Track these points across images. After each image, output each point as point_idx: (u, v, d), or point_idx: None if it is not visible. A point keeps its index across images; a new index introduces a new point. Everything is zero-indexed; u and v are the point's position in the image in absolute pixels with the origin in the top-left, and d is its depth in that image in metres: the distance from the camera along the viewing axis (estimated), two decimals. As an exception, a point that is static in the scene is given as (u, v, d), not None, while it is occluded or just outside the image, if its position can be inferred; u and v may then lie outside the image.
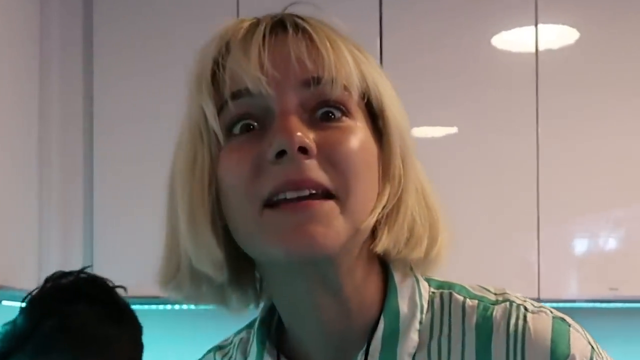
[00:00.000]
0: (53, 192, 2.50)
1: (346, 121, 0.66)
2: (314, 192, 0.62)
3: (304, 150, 0.60)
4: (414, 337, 0.71)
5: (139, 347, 1.47)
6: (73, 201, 2.62)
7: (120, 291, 1.46)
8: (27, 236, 2.25)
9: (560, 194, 2.54)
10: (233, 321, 2.44)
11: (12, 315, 2.33)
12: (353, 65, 0.67)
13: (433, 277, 0.76)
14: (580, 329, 0.69)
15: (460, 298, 0.72)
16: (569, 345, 0.66)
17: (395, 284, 0.72)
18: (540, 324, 0.67)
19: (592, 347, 0.68)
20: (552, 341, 0.66)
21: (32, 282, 1.99)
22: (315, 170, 0.62)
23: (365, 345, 0.70)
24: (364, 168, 0.65)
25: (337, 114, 0.66)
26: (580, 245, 2.61)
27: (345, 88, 0.66)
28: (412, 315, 0.71)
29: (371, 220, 0.66)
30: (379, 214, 0.67)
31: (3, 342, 1.40)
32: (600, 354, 0.68)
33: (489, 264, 2.49)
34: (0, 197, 1.99)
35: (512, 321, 0.69)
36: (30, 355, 1.37)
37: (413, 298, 0.72)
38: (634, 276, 2.50)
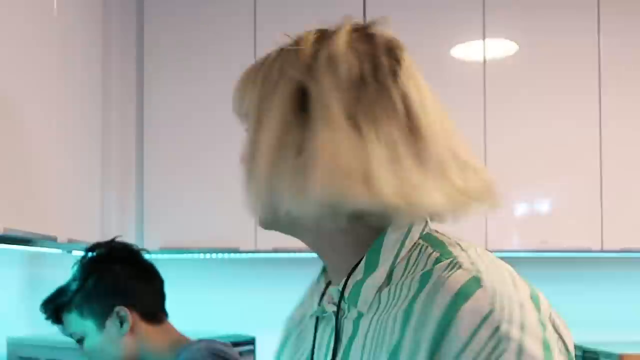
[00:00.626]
0: (112, 165, 2.43)
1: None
2: None
3: None
4: (382, 274, 0.69)
5: (160, 297, 1.52)
6: (127, 172, 2.52)
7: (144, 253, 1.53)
8: (92, 200, 2.20)
9: (504, 169, 2.44)
10: (248, 267, 2.42)
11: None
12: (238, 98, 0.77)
13: (440, 234, 0.73)
14: (491, 290, 0.61)
15: (430, 251, 0.69)
16: (467, 300, 0.61)
17: (384, 235, 0.71)
18: (456, 279, 0.63)
19: (493, 311, 0.60)
20: (456, 294, 0.62)
21: (95, 236, 2.02)
22: None
23: (350, 271, 0.71)
24: None
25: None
26: (520, 209, 2.57)
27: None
28: (387, 258, 0.70)
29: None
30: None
31: (59, 295, 1.46)
32: (503, 321, 0.59)
33: (449, 224, 2.42)
34: (70, 168, 1.93)
35: (441, 273, 0.65)
36: (78, 304, 1.43)
37: (393, 247, 0.70)
38: (560, 233, 2.47)
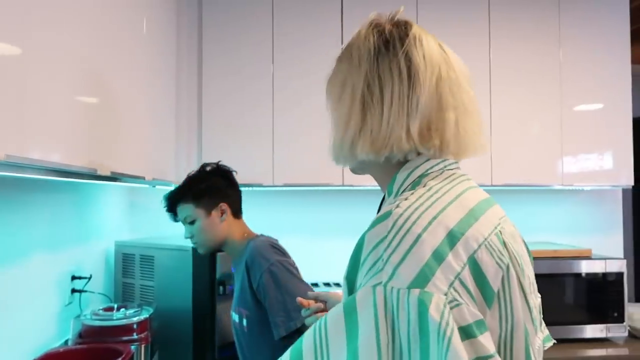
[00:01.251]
0: (182, 126, 2.40)
1: None
2: None
3: None
4: (392, 200, 0.68)
5: (241, 201, 1.64)
6: (191, 130, 2.47)
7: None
8: (168, 150, 2.15)
9: None
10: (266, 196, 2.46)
11: (161, 193, 2.48)
12: None
13: (432, 177, 0.68)
14: (393, 223, 0.59)
15: (407, 189, 0.68)
16: (374, 226, 0.60)
17: (397, 172, 0.70)
18: (383, 210, 0.62)
19: (384, 238, 0.57)
20: (373, 221, 0.61)
21: (171, 176, 2.12)
22: None
23: (384, 195, 0.74)
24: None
25: None
26: None
27: None
28: (395, 189, 0.70)
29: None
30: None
31: (179, 192, 1.60)
32: (388, 248, 0.56)
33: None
34: (154, 130, 1.90)
35: (387, 202, 0.69)
36: (195, 198, 1.57)
37: (400, 182, 0.70)
38: (500, 170, 2.55)
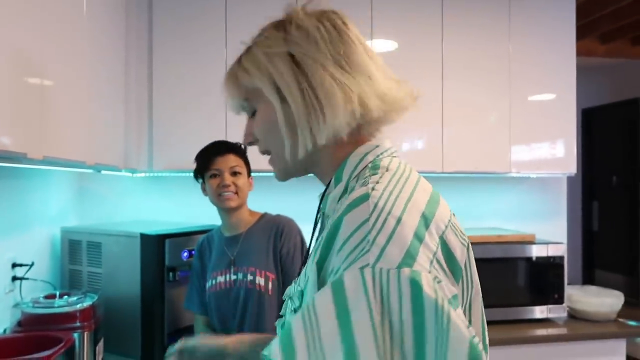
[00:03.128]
0: (131, 111, 2.27)
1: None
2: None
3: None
4: (340, 188, 0.69)
5: (249, 167, 1.70)
6: (142, 111, 2.35)
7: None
8: (116, 131, 2.06)
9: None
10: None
11: (110, 178, 2.46)
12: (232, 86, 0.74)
13: (386, 161, 0.69)
14: (373, 205, 0.58)
15: (367, 172, 0.68)
16: (353, 209, 0.59)
17: (347, 159, 0.71)
18: (355, 194, 0.61)
19: (367, 220, 0.56)
20: (348, 204, 0.60)
21: (118, 161, 2.03)
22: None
23: (326, 186, 0.74)
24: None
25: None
26: (401, 145, 2.71)
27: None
28: (345, 177, 0.70)
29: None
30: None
31: (236, 145, 1.68)
32: (373, 229, 0.56)
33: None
34: (101, 110, 1.82)
35: (354, 186, 0.66)
36: (245, 155, 1.68)
37: (350, 167, 0.70)
38: (415, 160, 2.54)
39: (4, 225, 1.69)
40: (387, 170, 0.66)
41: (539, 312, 2.46)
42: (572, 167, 2.81)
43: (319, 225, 0.75)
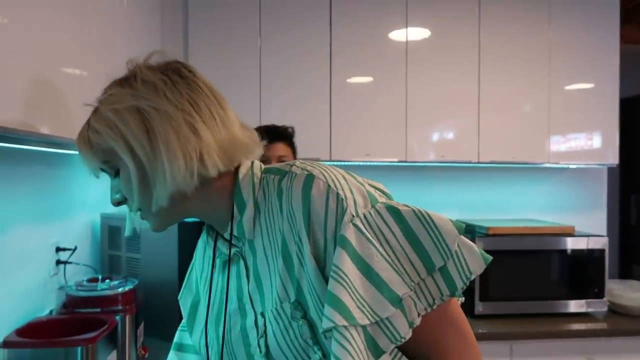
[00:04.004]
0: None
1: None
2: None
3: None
4: (251, 208, 0.71)
5: (295, 155, 1.72)
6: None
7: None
8: None
9: (423, 113, 2.54)
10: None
11: None
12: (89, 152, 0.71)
13: (273, 165, 0.75)
14: (322, 177, 0.66)
15: (273, 177, 0.71)
16: (311, 188, 0.65)
17: (237, 183, 0.72)
18: (298, 182, 0.67)
19: (330, 186, 0.65)
20: (302, 190, 0.66)
21: None
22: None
23: (231, 217, 0.73)
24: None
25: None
26: (433, 136, 2.58)
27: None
28: (248, 196, 0.71)
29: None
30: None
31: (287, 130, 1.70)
32: (338, 190, 0.65)
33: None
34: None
35: (286, 184, 0.68)
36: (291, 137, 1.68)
37: (248, 187, 0.71)
38: (453, 150, 2.58)
39: (48, 210, 1.73)
40: (289, 164, 0.71)
41: (578, 306, 2.40)
42: (612, 158, 2.72)
43: (247, 256, 0.73)
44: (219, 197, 0.72)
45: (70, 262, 1.77)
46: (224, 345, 0.75)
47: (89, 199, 2.17)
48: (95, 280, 1.62)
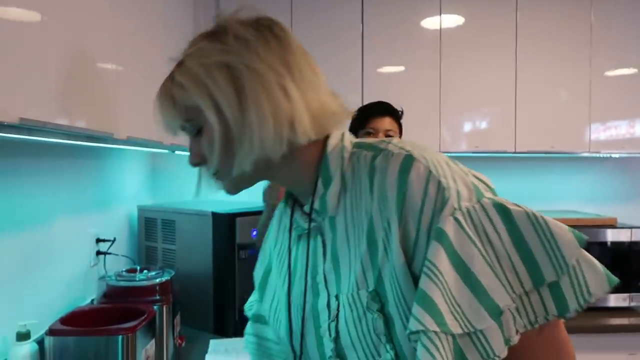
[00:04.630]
0: None
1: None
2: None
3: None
4: (337, 183, 0.66)
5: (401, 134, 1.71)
6: None
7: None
8: None
9: (457, 101, 2.49)
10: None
11: (181, 158, 2.65)
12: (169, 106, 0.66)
13: (364, 140, 0.68)
14: (424, 159, 0.60)
15: (365, 153, 0.65)
16: (409, 172, 0.59)
17: (326, 154, 0.67)
18: (394, 162, 0.60)
19: (431, 171, 0.59)
20: (399, 172, 0.60)
21: None
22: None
23: (313, 190, 0.68)
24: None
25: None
26: (466, 126, 2.54)
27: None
28: (335, 169, 0.66)
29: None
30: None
31: (354, 119, 1.64)
32: (440, 177, 0.59)
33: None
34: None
35: (381, 163, 0.62)
36: (359, 124, 1.63)
37: (336, 160, 0.66)
38: (488, 140, 2.54)
39: (88, 202, 1.79)
40: (384, 141, 0.66)
41: (620, 300, 2.32)
42: (658, 146, 2.60)
43: (325, 232, 0.69)
44: (305, 167, 0.68)
45: (110, 253, 1.83)
46: (292, 322, 0.71)
47: (127, 191, 2.23)
48: (134, 270, 1.66)
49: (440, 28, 2.51)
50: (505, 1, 2.51)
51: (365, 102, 2.44)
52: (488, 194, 0.60)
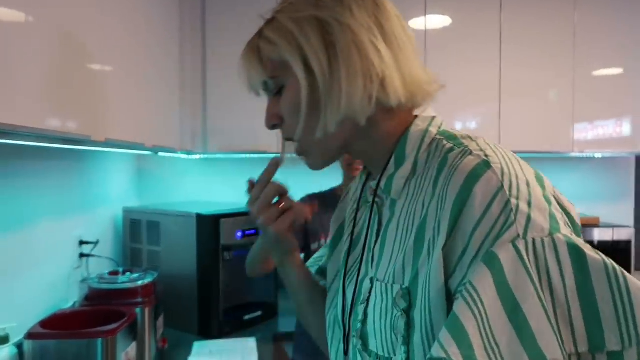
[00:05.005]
0: (187, 87, 2.29)
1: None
2: None
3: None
4: (408, 167, 0.62)
5: None
6: (196, 96, 2.36)
7: None
8: (172, 114, 2.09)
9: (447, 104, 2.65)
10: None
11: (166, 160, 2.56)
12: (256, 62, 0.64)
13: (454, 130, 0.63)
14: (500, 171, 0.53)
15: (444, 143, 0.61)
16: (478, 180, 0.52)
17: (407, 133, 0.64)
18: (467, 163, 0.54)
19: (503, 187, 0.51)
20: (468, 176, 0.53)
21: (175, 143, 2.09)
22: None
23: (384, 167, 0.65)
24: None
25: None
26: (455, 125, 2.70)
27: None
28: (411, 152, 0.63)
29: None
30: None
31: None
32: (512, 196, 0.51)
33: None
34: (159, 90, 1.86)
35: (454, 158, 0.56)
36: None
37: (416, 142, 0.63)
38: (509, 137, 2.69)
39: (72, 204, 1.78)
40: (470, 138, 0.59)
41: (603, 298, 2.34)
42: (641, 146, 2.63)
43: (384, 213, 0.66)
44: (384, 139, 0.65)
45: (93, 255, 1.82)
46: (345, 293, 0.69)
47: (112, 193, 2.24)
48: (117, 273, 1.66)
49: (426, 29, 2.52)
50: (490, 2, 2.52)
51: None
52: (566, 230, 0.51)
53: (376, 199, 0.67)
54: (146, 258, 2.10)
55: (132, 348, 1.41)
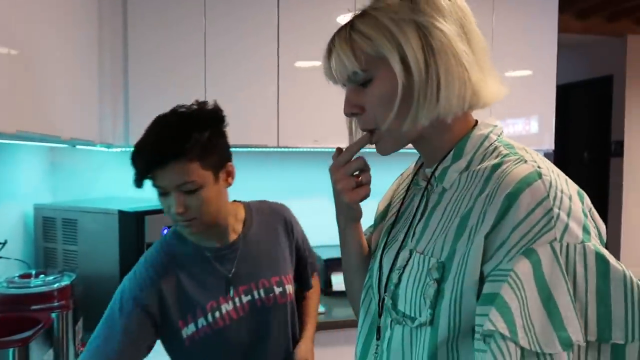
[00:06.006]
0: (106, 74, 2.15)
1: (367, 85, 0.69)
2: None
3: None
4: (463, 163, 0.70)
5: (216, 158, 1.15)
6: (117, 88, 2.20)
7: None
8: (91, 105, 1.96)
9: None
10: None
11: (84, 153, 2.41)
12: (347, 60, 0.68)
13: (512, 141, 0.71)
14: (549, 184, 0.61)
15: (502, 149, 0.69)
16: (528, 186, 0.60)
17: (470, 134, 0.71)
18: (521, 170, 0.62)
19: (548, 196, 0.60)
20: (519, 181, 0.61)
21: (93, 135, 1.95)
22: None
23: (441, 159, 0.73)
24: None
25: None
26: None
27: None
28: (469, 152, 0.70)
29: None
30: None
31: (169, 146, 1.06)
32: (555, 206, 0.59)
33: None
34: (75, 77, 1.74)
35: (509, 164, 0.65)
36: (200, 155, 1.08)
37: (475, 143, 0.71)
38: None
39: (-27, 202, 1.62)
40: (525, 149, 0.68)
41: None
42: (548, 143, 2.85)
43: (432, 198, 0.74)
44: (452, 137, 0.72)
45: (0, 257, 1.66)
46: (382, 263, 0.77)
47: (20, 188, 2.06)
48: (29, 276, 1.54)
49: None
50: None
51: (282, 97, 2.43)
52: (595, 241, 0.60)
53: (428, 185, 0.75)
54: (62, 259, 1.97)
55: (49, 356, 1.31)
